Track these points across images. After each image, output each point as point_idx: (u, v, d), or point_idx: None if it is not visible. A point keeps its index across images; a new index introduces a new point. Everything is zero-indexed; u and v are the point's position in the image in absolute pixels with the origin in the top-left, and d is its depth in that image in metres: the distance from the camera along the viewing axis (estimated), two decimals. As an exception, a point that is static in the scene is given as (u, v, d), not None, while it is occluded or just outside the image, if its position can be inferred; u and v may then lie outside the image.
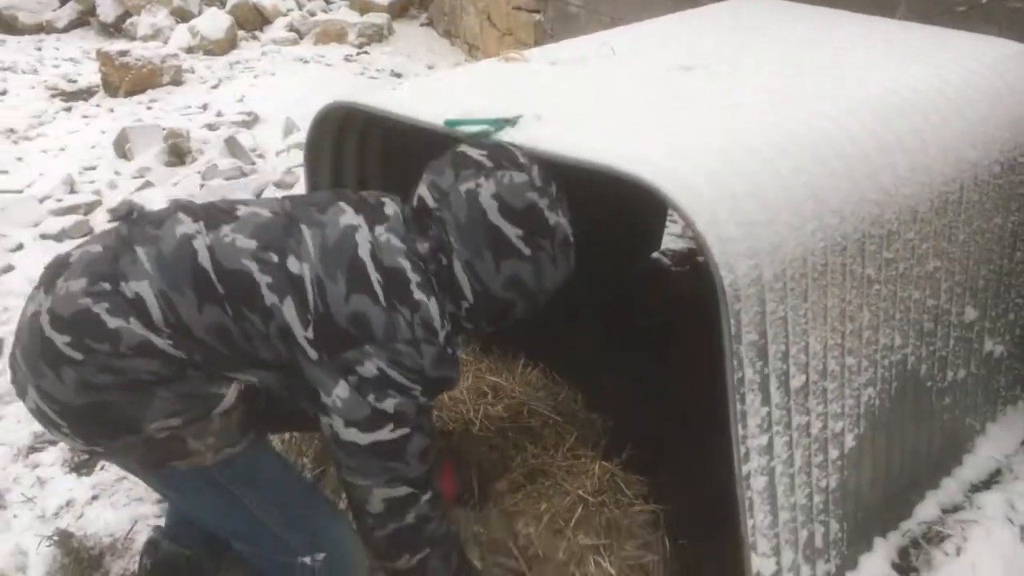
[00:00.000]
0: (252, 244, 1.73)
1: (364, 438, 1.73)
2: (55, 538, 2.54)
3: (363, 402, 1.71)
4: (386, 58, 7.65)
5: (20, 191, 5.07)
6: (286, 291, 1.71)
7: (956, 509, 2.69)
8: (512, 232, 1.80)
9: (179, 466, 1.76)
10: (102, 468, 2.87)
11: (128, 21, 8.24)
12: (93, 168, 5.43)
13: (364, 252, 1.76)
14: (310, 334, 1.71)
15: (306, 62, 7.49)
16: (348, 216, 1.81)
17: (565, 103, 2.42)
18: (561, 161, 2.09)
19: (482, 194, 1.80)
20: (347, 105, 2.61)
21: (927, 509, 2.69)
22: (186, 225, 1.76)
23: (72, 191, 5.08)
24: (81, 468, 2.89)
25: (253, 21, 8.26)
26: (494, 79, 2.75)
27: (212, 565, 2.26)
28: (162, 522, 2.52)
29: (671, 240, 4.27)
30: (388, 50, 7.87)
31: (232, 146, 5.45)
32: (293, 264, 1.73)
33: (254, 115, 6.11)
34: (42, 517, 2.68)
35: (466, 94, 2.50)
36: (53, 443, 3.00)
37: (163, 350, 1.67)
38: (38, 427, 3.01)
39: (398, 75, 7.24)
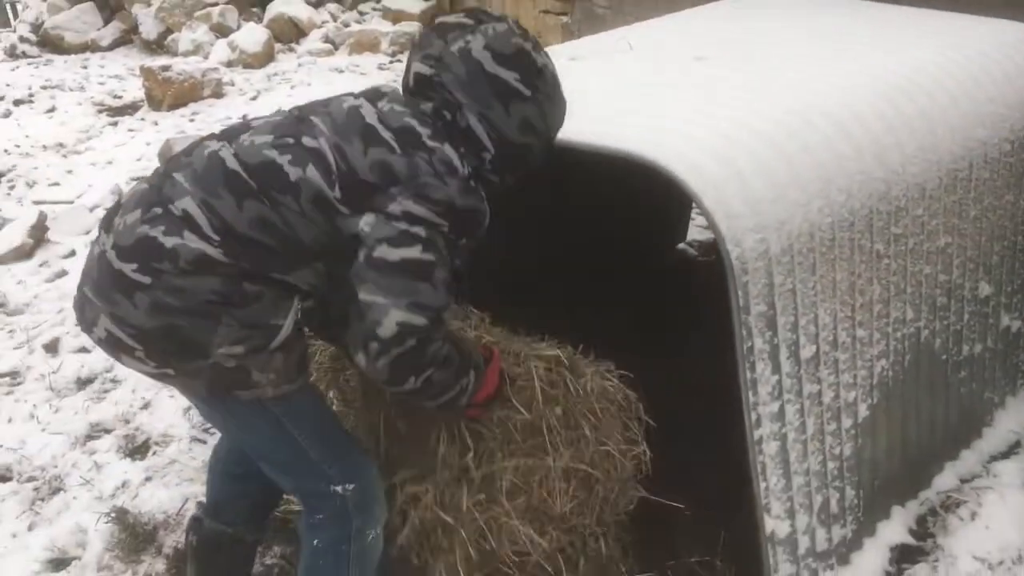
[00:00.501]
0: (269, 138, 1.89)
1: (394, 253, 1.81)
2: (112, 515, 2.71)
3: (393, 225, 1.82)
4: (419, 65, 7.81)
5: (71, 202, 5.29)
6: (306, 160, 1.84)
7: (974, 478, 2.76)
8: (510, 76, 1.91)
9: (242, 396, 1.90)
10: (154, 453, 3.04)
11: (169, 38, 8.49)
12: (139, 178, 5.60)
13: (372, 120, 1.89)
14: (338, 193, 1.83)
15: (341, 72, 7.69)
16: (350, 100, 1.96)
17: (582, 95, 2.51)
18: (576, 147, 2.22)
19: (474, 48, 1.91)
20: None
21: (945, 479, 2.77)
22: (211, 145, 1.93)
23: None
24: (135, 453, 3.06)
25: (289, 34, 8.47)
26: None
27: (252, 539, 2.41)
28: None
29: (697, 231, 4.37)
30: (421, 58, 8.03)
31: (271, 153, 5.63)
32: (309, 141, 1.87)
33: (292, 124, 6.29)
34: (99, 498, 2.85)
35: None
36: (108, 431, 3.18)
37: (217, 260, 1.80)
38: (94, 416, 3.22)
39: (430, 81, 7.40)
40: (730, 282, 2.05)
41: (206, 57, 7.93)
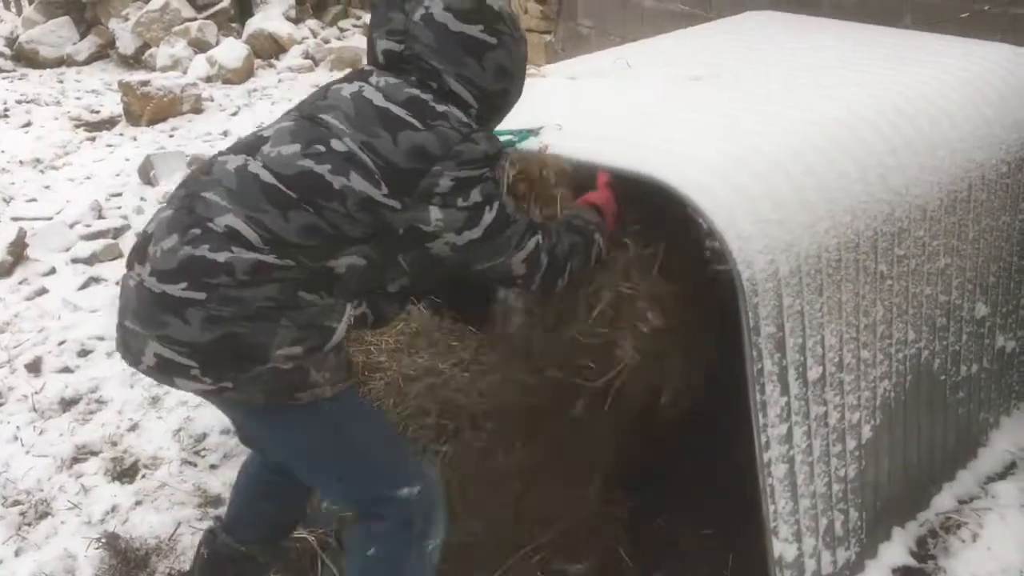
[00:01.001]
0: (296, 147, 1.89)
1: (477, 231, 1.93)
2: (103, 540, 2.65)
3: (456, 210, 1.90)
4: (400, 82, 7.79)
5: (50, 218, 5.20)
6: (347, 168, 1.86)
7: (972, 499, 2.76)
8: (475, 30, 1.98)
9: (302, 398, 1.87)
10: (143, 476, 2.97)
11: (147, 53, 8.40)
12: (119, 195, 5.56)
13: (379, 100, 1.93)
14: (385, 190, 1.87)
15: (322, 88, 7.64)
16: (346, 87, 1.99)
17: (584, 113, 2.54)
18: (584, 167, 2.21)
19: (435, 13, 1.97)
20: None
21: (944, 500, 2.76)
22: (232, 161, 1.91)
23: (100, 217, 5.21)
24: (124, 476, 2.99)
25: (269, 50, 8.42)
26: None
27: (264, 561, 2.35)
28: (205, 523, 2.64)
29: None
30: (402, 74, 8.02)
31: (254, 170, 5.57)
32: (338, 145, 1.88)
33: (274, 140, 6.24)
34: (88, 523, 2.78)
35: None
36: (95, 453, 3.11)
37: (273, 264, 1.79)
38: (80, 438, 3.15)
39: (412, 98, 7.39)
40: (741, 304, 2.04)
41: (184, 72, 7.86)
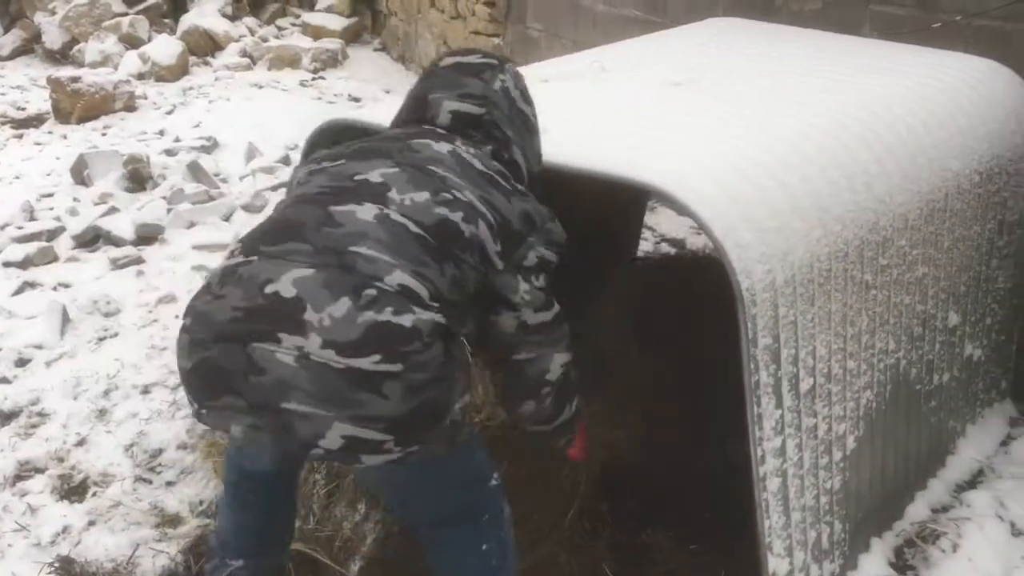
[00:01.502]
0: (426, 195, 1.83)
1: (549, 314, 1.94)
2: (55, 565, 2.48)
3: (536, 289, 1.91)
4: (342, 83, 7.65)
5: (-23, 219, 4.94)
6: (476, 217, 1.84)
7: (945, 509, 2.77)
8: (530, 112, 2.12)
9: (461, 438, 1.83)
10: (94, 494, 2.80)
11: (75, 48, 8.09)
12: (50, 195, 5.30)
13: (479, 165, 1.95)
14: (498, 247, 1.86)
15: (261, 87, 7.45)
16: (434, 144, 1.96)
17: (566, 118, 2.46)
18: (574, 172, 2.14)
19: (510, 87, 2.08)
20: (345, 122, 2.62)
21: (917, 509, 2.76)
22: (361, 210, 1.78)
23: (32, 218, 4.96)
24: (73, 495, 2.81)
25: (204, 47, 8.18)
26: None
27: None
28: (164, 544, 2.54)
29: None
30: (343, 75, 7.87)
31: (195, 171, 5.38)
32: (461, 195, 1.86)
33: (213, 140, 6.04)
34: (38, 545, 2.60)
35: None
36: (40, 470, 2.92)
37: (443, 324, 1.73)
38: (22, 454, 2.97)
39: (356, 99, 7.26)
40: (740, 315, 1.99)
41: (115, 69, 7.56)
